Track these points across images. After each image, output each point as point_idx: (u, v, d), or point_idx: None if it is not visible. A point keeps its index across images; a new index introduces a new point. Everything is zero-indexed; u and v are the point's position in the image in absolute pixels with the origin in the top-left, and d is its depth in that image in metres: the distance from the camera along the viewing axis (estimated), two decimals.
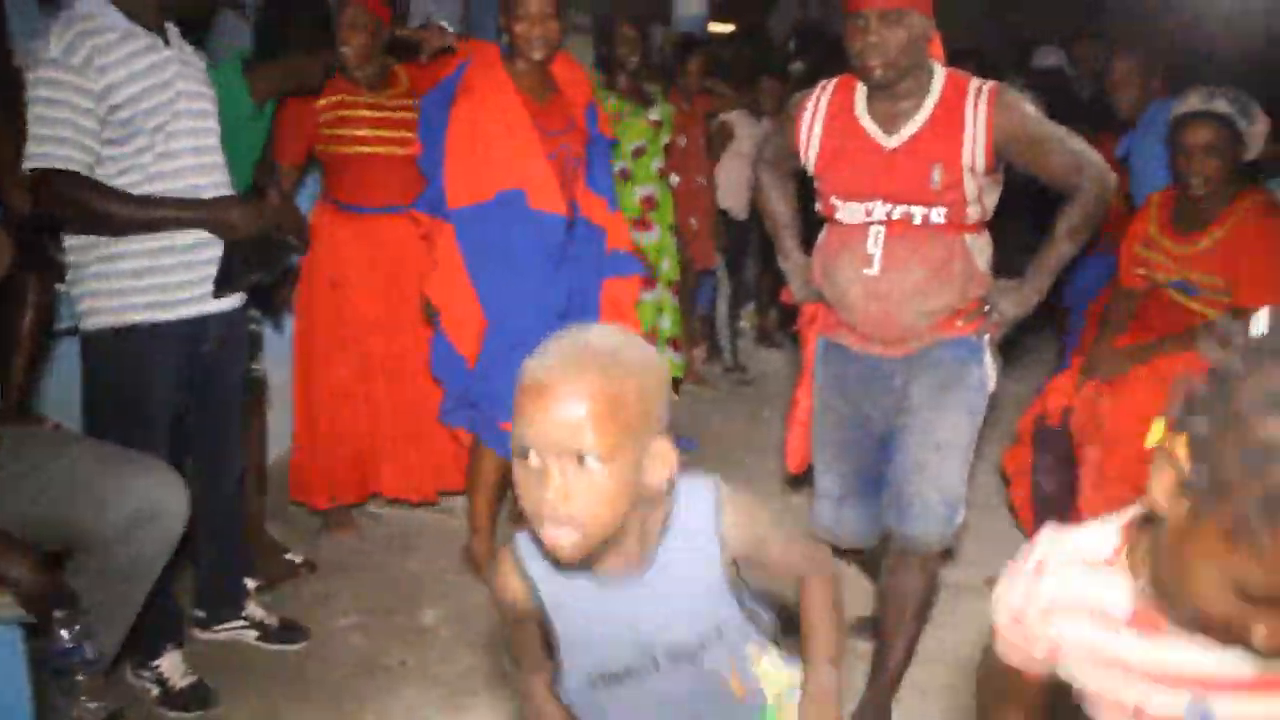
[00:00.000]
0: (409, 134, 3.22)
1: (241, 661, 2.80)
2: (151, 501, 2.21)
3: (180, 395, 2.59)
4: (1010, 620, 1.19)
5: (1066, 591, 1.13)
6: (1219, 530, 0.90)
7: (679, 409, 4.26)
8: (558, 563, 1.25)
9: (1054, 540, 1.16)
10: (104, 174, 2.37)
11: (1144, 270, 3.13)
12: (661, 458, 1.23)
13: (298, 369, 3.49)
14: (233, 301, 2.63)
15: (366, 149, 3.32)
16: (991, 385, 2.42)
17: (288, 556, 3.25)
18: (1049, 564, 1.15)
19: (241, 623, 2.88)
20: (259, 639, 2.87)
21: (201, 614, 2.87)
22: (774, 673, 1.46)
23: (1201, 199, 2.94)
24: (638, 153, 4.39)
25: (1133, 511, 1.09)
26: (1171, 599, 1.01)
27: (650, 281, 3.93)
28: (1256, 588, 0.89)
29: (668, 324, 4.50)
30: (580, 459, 1.16)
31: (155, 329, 2.49)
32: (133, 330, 2.46)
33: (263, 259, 2.63)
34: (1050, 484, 3.17)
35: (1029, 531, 3.26)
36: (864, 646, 2.66)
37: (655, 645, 1.35)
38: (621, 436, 1.17)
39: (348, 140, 3.31)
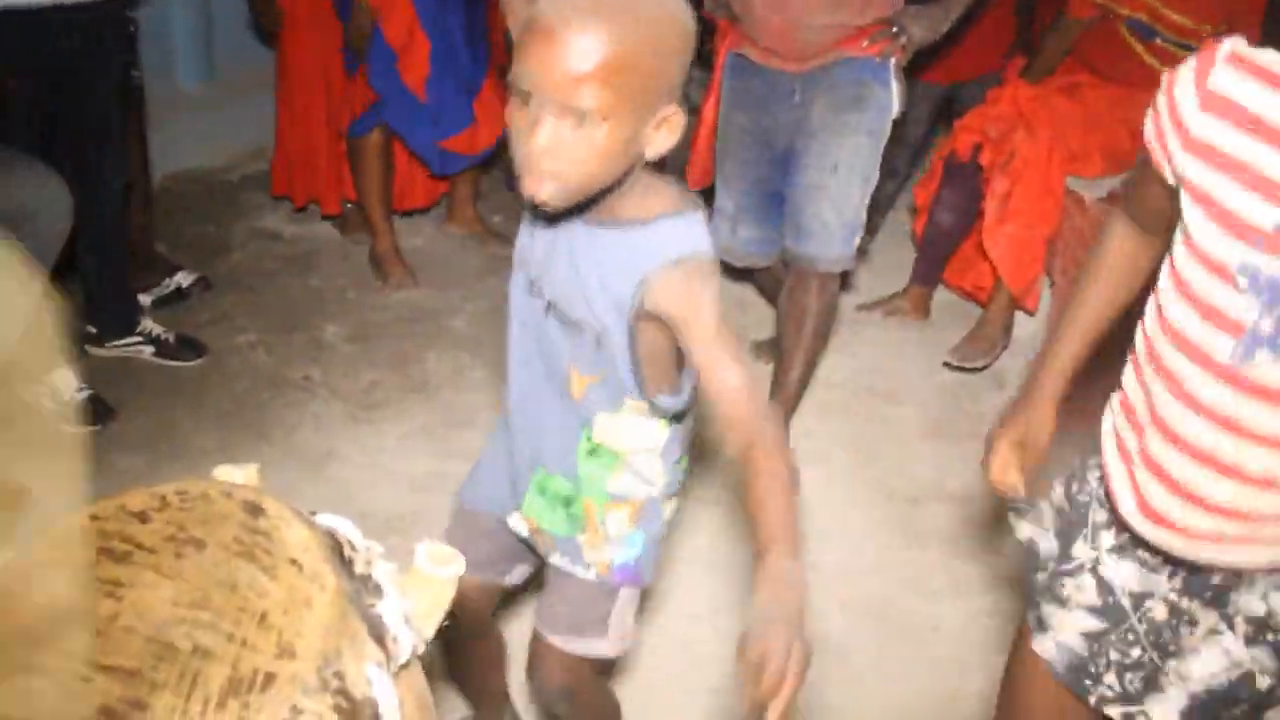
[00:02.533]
0: None
1: (138, 377, 2.77)
2: (26, 201, 2.10)
3: (46, 94, 2.41)
4: (1154, 127, 1.11)
5: (1230, 89, 1.03)
6: None
7: None
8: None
9: (1231, 49, 1.05)
10: None
11: (1104, 0, 2.97)
12: (668, 126, 1.17)
13: (281, 58, 3.36)
14: None
15: None
16: (896, 109, 2.40)
17: (179, 275, 3.15)
18: (1219, 65, 1.04)
19: (136, 339, 2.82)
20: (155, 355, 2.83)
21: (93, 330, 2.81)
22: (632, 428, 1.36)
23: None
24: None
25: None
26: None
27: None
28: None
29: None
30: (578, 114, 1.10)
31: (16, 16, 2.29)
32: None
33: None
34: (948, 218, 3.20)
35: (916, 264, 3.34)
36: (764, 366, 2.75)
37: (550, 292, 1.31)
38: (625, 96, 1.10)
39: None
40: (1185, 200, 1.07)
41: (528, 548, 1.52)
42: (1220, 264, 1.04)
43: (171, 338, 2.85)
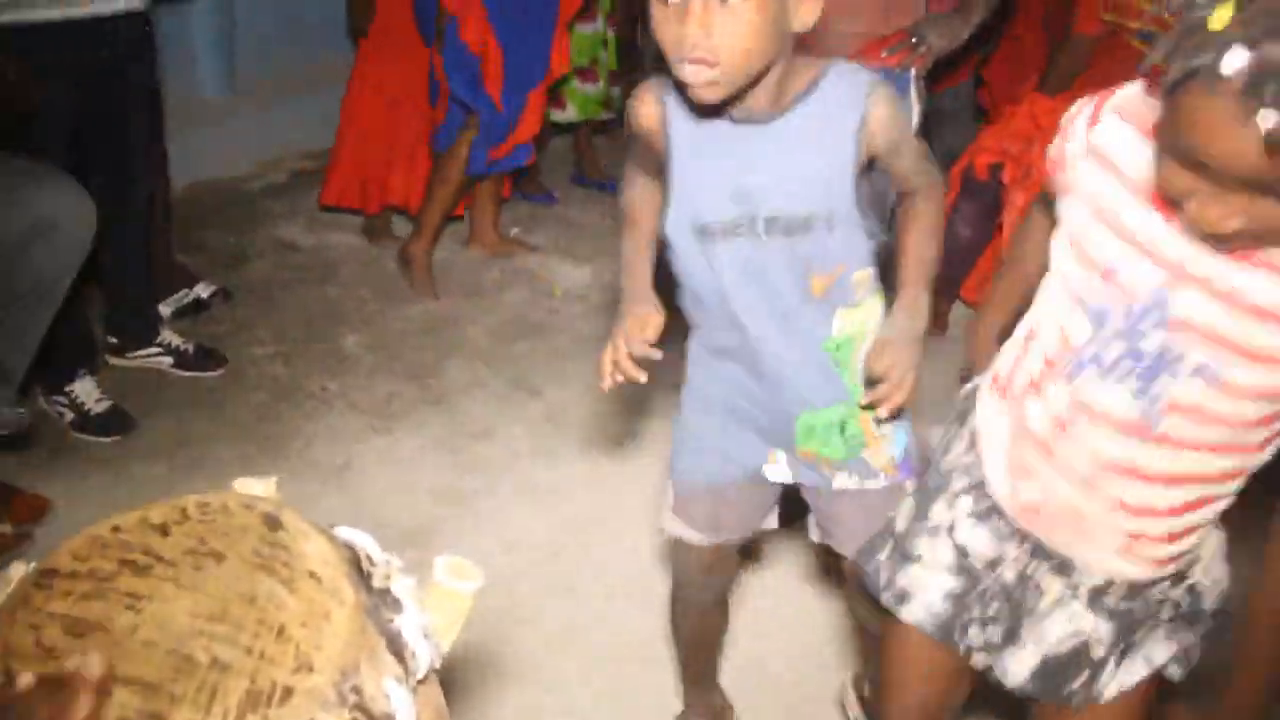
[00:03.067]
0: None
1: (157, 388, 2.78)
2: (50, 211, 2.11)
3: (78, 105, 2.43)
4: (1057, 149, 1.21)
5: (1106, 140, 1.12)
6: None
7: (604, 151, 4.18)
8: (696, 104, 1.26)
9: (1124, 94, 1.13)
10: None
11: (1112, 15, 2.97)
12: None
13: (358, 67, 3.44)
14: (134, 1, 2.44)
15: None
16: (916, 120, 2.39)
17: (199, 286, 3.16)
18: (1106, 113, 1.14)
19: (156, 349, 2.84)
20: (175, 365, 2.84)
21: (114, 340, 2.82)
22: (866, 301, 1.44)
23: None
24: None
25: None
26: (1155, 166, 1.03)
27: (591, 14, 3.76)
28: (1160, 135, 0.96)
29: (606, 57, 4.34)
30: None
31: (49, 27, 2.31)
32: (20, 28, 2.28)
33: None
34: (965, 231, 3.19)
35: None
36: None
37: (761, 206, 1.33)
38: None
39: None
40: (1060, 224, 1.20)
41: (780, 487, 1.59)
42: (1069, 285, 1.17)
43: (191, 349, 2.86)
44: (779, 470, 1.55)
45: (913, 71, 2.34)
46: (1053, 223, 1.26)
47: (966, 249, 3.22)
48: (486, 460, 2.58)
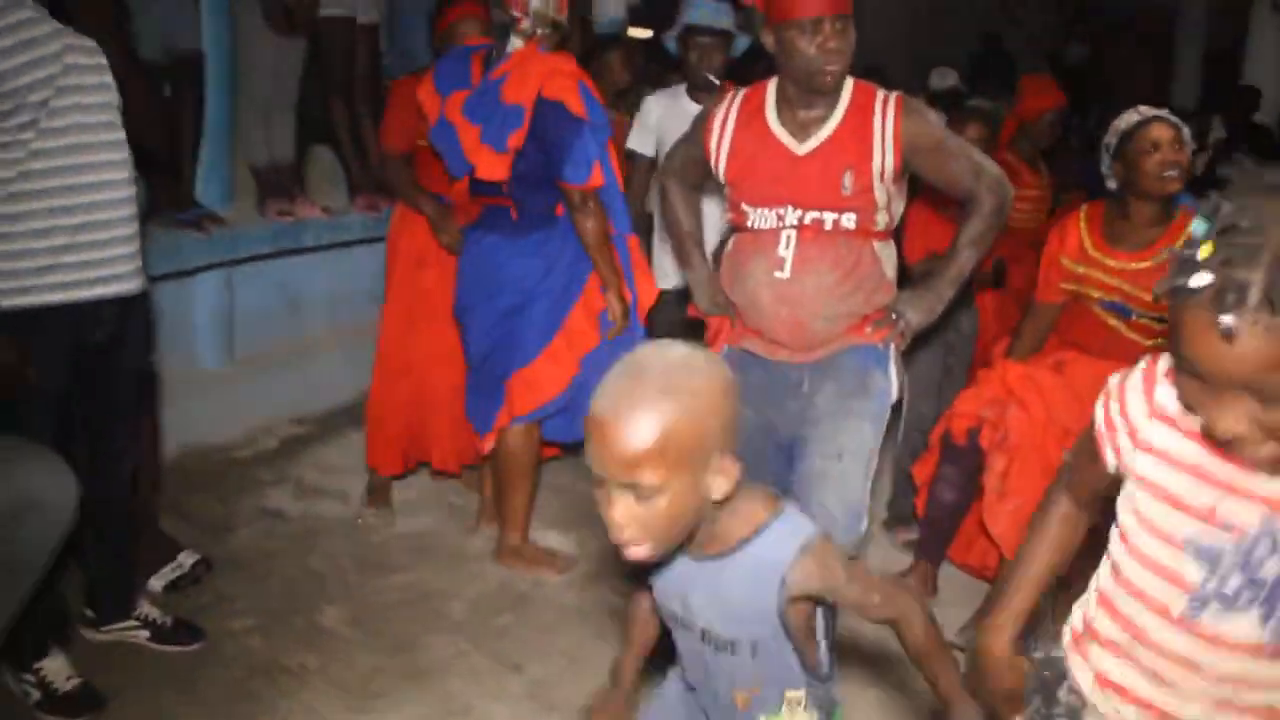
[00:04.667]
0: None
1: (132, 663, 2.70)
2: (33, 490, 2.12)
3: (67, 383, 2.49)
4: (1105, 422, 1.35)
5: (1172, 400, 1.24)
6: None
7: None
8: None
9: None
10: None
11: (1074, 285, 3.09)
12: (723, 473, 1.32)
13: (380, 341, 3.55)
14: (133, 285, 2.55)
15: None
16: (894, 394, 2.46)
17: (181, 555, 3.13)
18: (1163, 374, 1.28)
19: (133, 623, 2.78)
20: (151, 639, 2.77)
21: (91, 614, 2.77)
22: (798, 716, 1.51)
23: (1148, 210, 2.93)
24: None
25: None
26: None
27: None
28: (1184, 359, 1.10)
29: None
30: (638, 490, 1.26)
31: (44, 311, 2.39)
32: (20, 311, 2.36)
33: None
34: (949, 495, 3.22)
35: (921, 541, 3.34)
36: None
37: (699, 619, 1.46)
38: (675, 467, 1.26)
39: None
40: (1131, 484, 1.32)
41: None
42: (1168, 534, 1.26)
43: (169, 622, 2.81)
44: None
45: (892, 348, 2.44)
46: (1084, 499, 1.46)
47: (951, 512, 3.24)
48: None
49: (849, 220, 2.33)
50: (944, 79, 6.37)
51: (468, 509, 3.64)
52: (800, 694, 1.48)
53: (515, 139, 2.96)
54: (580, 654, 2.81)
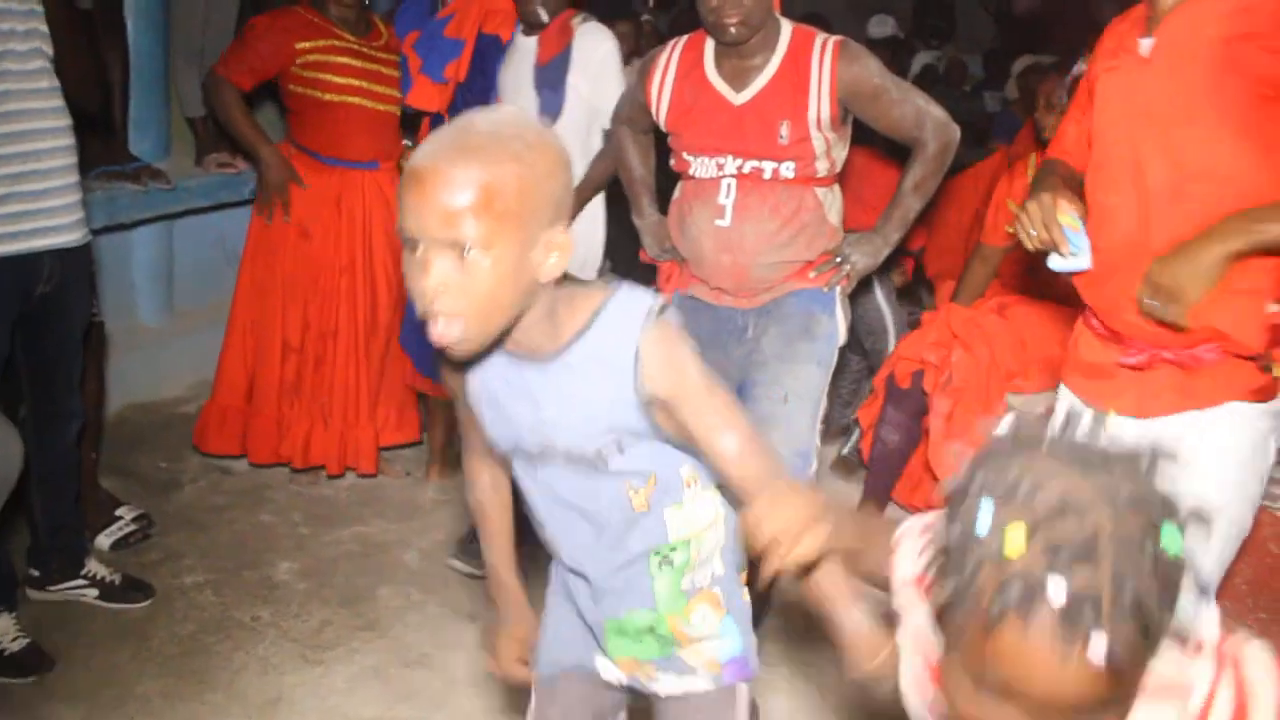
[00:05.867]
0: (392, 90, 3.26)
1: (81, 622, 2.69)
2: None
3: (10, 337, 2.44)
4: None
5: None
6: (938, 613, 0.88)
7: None
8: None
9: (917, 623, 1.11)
10: None
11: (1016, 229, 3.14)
12: (556, 248, 1.20)
13: (240, 314, 3.40)
14: (74, 237, 2.49)
15: (352, 99, 3.23)
16: (842, 337, 2.49)
17: (119, 511, 3.08)
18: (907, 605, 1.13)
19: (81, 581, 2.76)
20: (99, 598, 2.75)
21: (36, 573, 2.74)
22: (700, 495, 1.42)
23: None
24: None
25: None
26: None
27: None
28: (970, 671, 0.89)
29: None
30: (460, 249, 1.13)
31: None
32: None
33: None
34: (893, 437, 3.28)
35: (866, 483, 3.40)
36: None
37: (557, 440, 1.33)
38: (502, 226, 1.14)
39: (330, 87, 3.21)
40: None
41: (628, 690, 1.54)
42: None
43: (118, 579, 2.79)
44: (609, 668, 1.53)
45: (838, 291, 2.47)
46: None
47: (895, 454, 3.30)
48: (420, 689, 2.52)
49: (788, 169, 2.34)
50: (882, 26, 6.37)
51: (418, 459, 3.64)
52: (690, 466, 1.38)
53: (452, 69, 3.09)
54: (534, 600, 2.82)
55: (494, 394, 1.36)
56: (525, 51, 2.94)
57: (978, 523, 0.85)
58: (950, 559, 0.88)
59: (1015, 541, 0.82)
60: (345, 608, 2.81)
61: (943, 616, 0.92)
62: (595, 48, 2.88)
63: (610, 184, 2.91)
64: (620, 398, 1.28)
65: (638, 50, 4.75)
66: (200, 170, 4.12)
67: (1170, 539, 0.83)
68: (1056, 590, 0.80)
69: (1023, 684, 0.85)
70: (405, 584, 2.94)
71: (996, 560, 0.83)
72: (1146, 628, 0.82)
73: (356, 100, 3.23)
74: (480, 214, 1.12)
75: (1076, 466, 0.85)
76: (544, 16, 2.88)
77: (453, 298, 1.15)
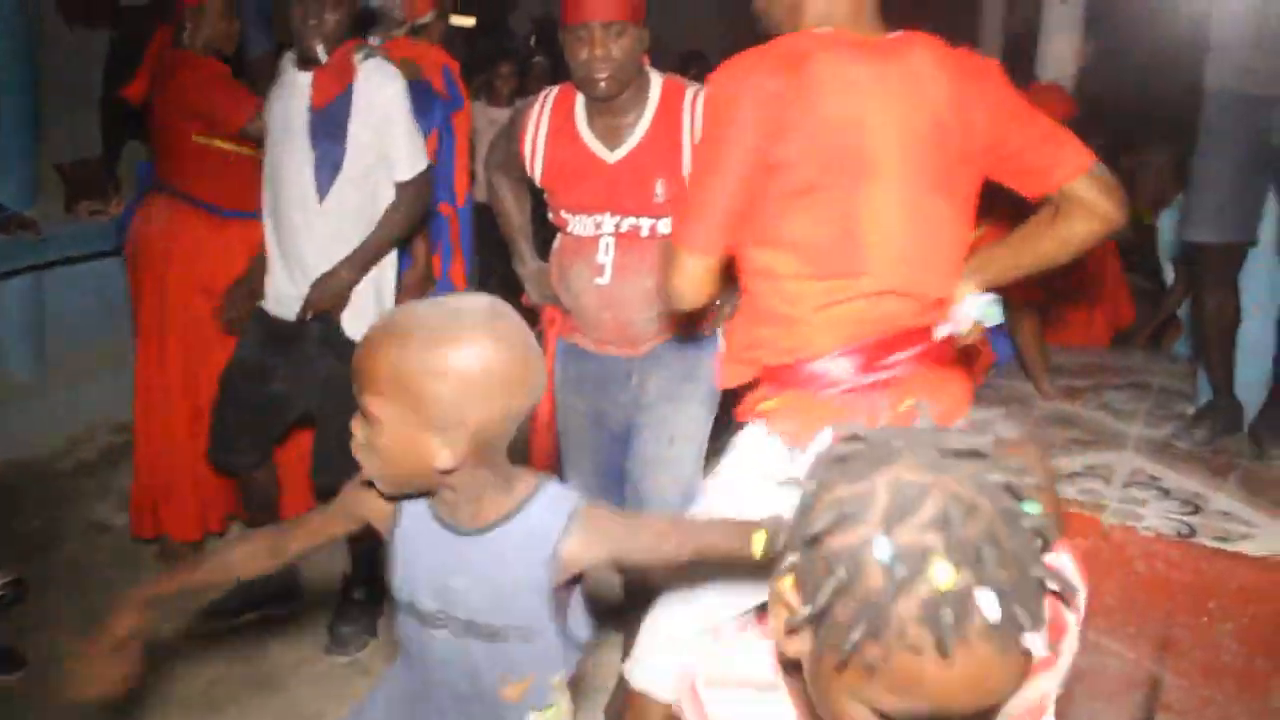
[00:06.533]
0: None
1: None
2: None
3: None
4: None
5: (730, 712, 1.05)
6: (836, 658, 0.81)
7: None
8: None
9: (712, 658, 1.08)
10: None
11: None
12: (450, 447, 1.24)
13: (149, 388, 3.18)
14: None
15: (247, 151, 3.08)
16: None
17: None
18: (704, 686, 1.07)
19: None
20: None
21: None
22: (559, 702, 1.45)
23: None
24: None
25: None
26: None
27: None
28: (890, 708, 0.81)
29: None
30: (368, 415, 1.25)
31: None
32: None
33: None
34: None
35: None
36: (615, 636, 2.75)
37: (459, 609, 1.36)
38: (392, 403, 1.22)
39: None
40: None
41: None
42: None
43: None
44: None
45: (719, 331, 2.51)
46: None
47: None
48: None
49: (665, 226, 2.32)
50: None
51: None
52: (562, 676, 1.43)
53: None
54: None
55: (412, 540, 1.39)
56: (298, 89, 2.66)
57: (874, 558, 0.78)
58: (836, 605, 0.80)
59: (944, 573, 0.76)
60: (232, 666, 2.75)
61: (811, 645, 0.86)
62: (378, 90, 2.63)
63: (489, 227, 2.90)
64: (533, 586, 1.33)
65: (521, 91, 4.80)
66: (71, 218, 4.01)
67: (1029, 503, 0.81)
68: (988, 602, 0.76)
69: (954, 700, 0.78)
70: (294, 640, 2.89)
71: (916, 593, 0.77)
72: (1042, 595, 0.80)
73: (251, 153, 3.09)
74: (375, 390, 1.23)
75: (934, 466, 0.82)
76: (321, 55, 2.61)
77: (362, 451, 1.28)
